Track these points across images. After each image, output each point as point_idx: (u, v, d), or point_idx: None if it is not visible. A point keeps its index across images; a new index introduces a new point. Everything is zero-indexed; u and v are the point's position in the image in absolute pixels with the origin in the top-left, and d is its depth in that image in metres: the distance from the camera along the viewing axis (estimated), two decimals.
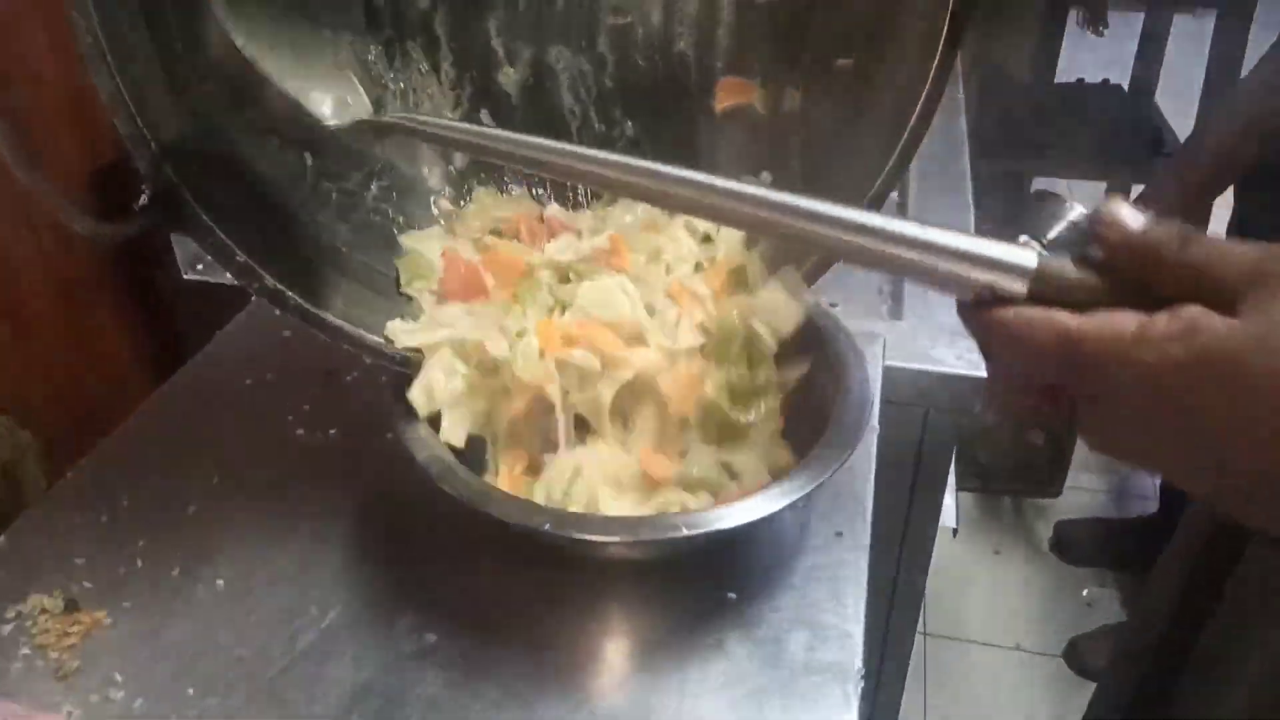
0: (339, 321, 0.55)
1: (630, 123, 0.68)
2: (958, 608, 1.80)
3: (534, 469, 0.58)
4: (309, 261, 0.56)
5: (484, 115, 0.67)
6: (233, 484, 0.63)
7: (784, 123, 0.64)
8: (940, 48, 0.52)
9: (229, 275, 0.52)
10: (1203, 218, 1.23)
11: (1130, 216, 0.33)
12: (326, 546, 0.59)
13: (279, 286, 0.53)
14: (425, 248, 0.62)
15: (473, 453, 0.57)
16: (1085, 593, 1.84)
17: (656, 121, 0.68)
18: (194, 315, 0.85)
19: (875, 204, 0.58)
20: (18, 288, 0.76)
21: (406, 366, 0.56)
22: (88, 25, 0.44)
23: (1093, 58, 2.28)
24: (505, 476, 0.57)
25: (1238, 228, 1.50)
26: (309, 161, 0.58)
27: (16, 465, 0.79)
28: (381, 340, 0.56)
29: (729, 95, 0.66)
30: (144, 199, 0.48)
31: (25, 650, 0.53)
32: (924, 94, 0.54)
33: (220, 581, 0.57)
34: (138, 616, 0.55)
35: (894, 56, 0.56)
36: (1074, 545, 1.89)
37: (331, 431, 0.68)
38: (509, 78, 0.66)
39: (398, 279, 0.61)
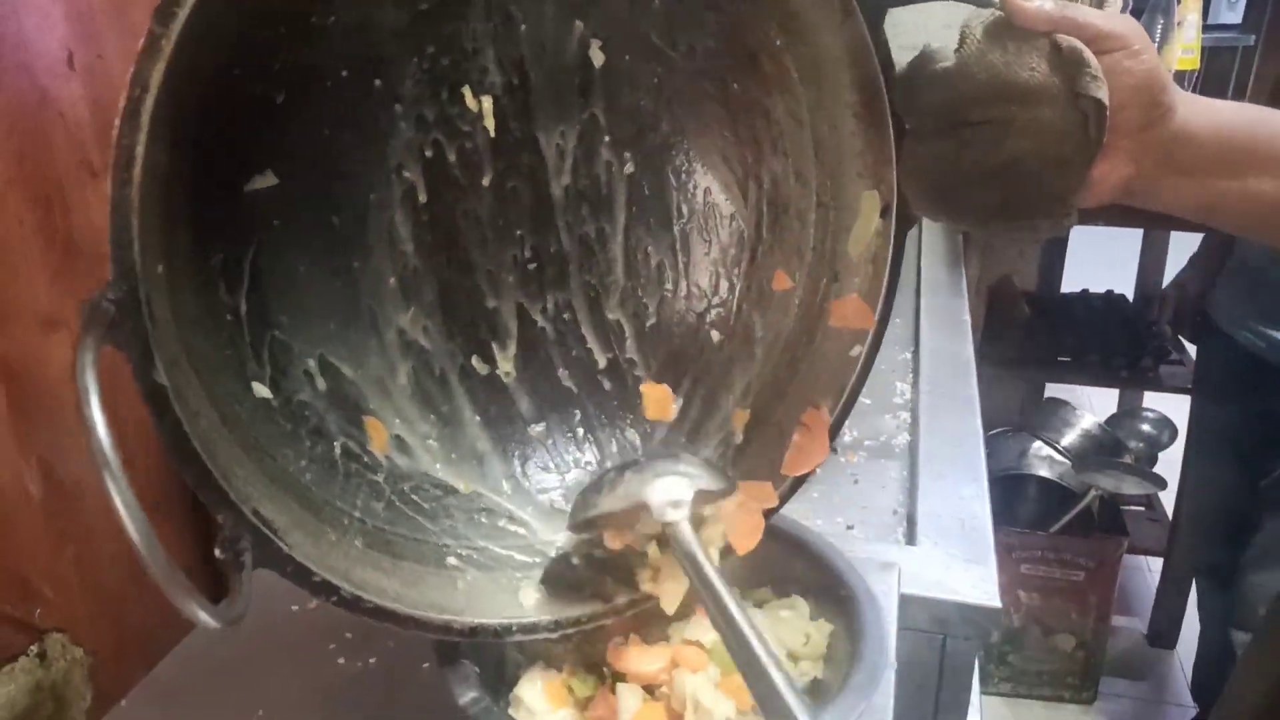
0: (413, 611, 0.55)
1: None
2: None
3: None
4: (365, 554, 0.56)
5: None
6: (276, 716, 0.66)
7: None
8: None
9: (303, 589, 0.52)
10: None
11: None
12: None
13: (356, 594, 0.52)
14: (528, 694, 0.61)
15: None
16: None
17: None
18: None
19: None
20: (85, 513, 0.81)
21: (475, 636, 0.57)
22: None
23: (1096, 267, 2.39)
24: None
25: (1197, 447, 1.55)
26: (337, 451, 0.58)
27: (66, 683, 0.83)
28: (451, 619, 0.56)
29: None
30: (221, 545, 0.48)
31: None
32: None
33: None
34: None
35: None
36: None
37: (371, 660, 0.71)
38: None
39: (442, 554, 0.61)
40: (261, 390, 0.54)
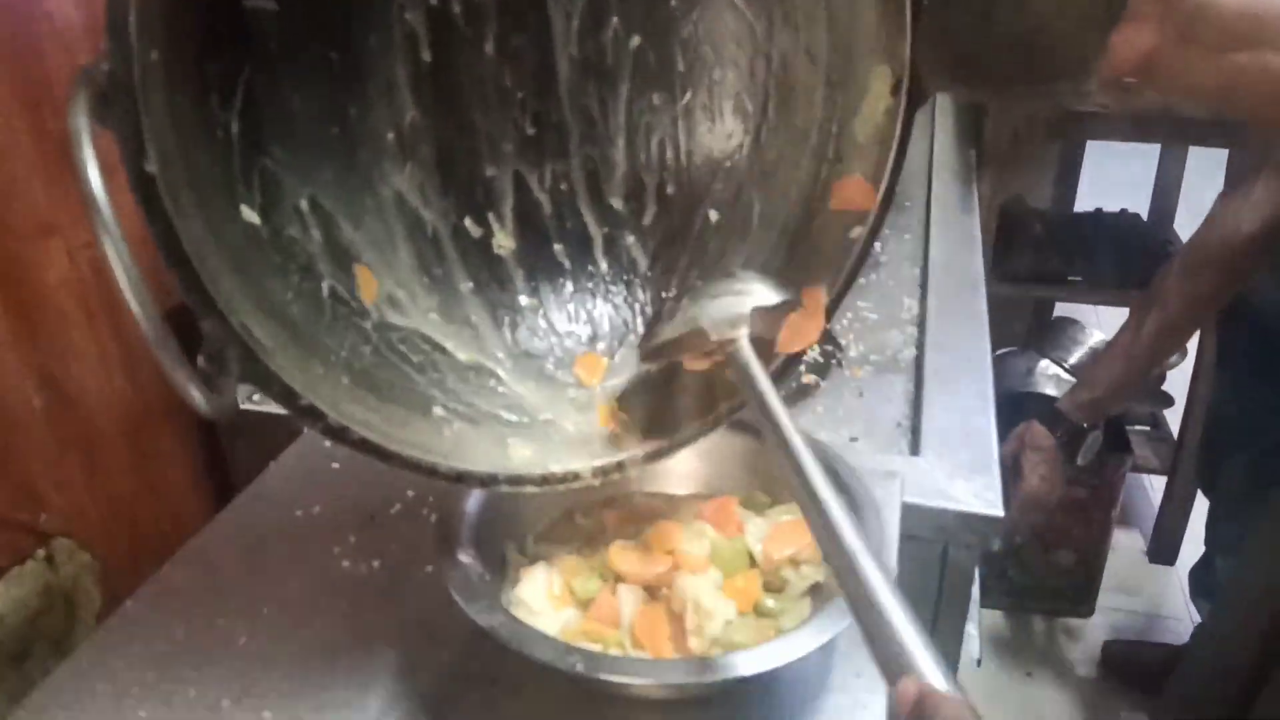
0: (399, 448, 0.54)
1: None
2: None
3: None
4: (351, 391, 0.56)
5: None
6: (281, 615, 0.67)
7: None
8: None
9: (289, 413, 0.51)
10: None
11: (909, 692, 0.38)
12: (368, 678, 0.62)
13: (342, 422, 0.52)
14: (529, 594, 0.62)
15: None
16: (1121, 717, 1.80)
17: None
18: (249, 445, 0.90)
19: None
20: (90, 422, 0.81)
21: (461, 481, 0.57)
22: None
23: (1112, 186, 2.35)
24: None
25: (1217, 360, 1.53)
26: (325, 292, 0.58)
27: (75, 587, 0.84)
28: (437, 461, 0.56)
29: None
30: (207, 358, 0.47)
31: None
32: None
33: (268, 713, 0.60)
34: None
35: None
36: (1120, 665, 1.87)
37: (375, 563, 0.71)
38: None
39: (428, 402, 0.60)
40: (250, 215, 0.53)
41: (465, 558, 0.60)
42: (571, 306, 0.69)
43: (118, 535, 0.85)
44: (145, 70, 0.43)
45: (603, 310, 0.69)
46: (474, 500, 0.64)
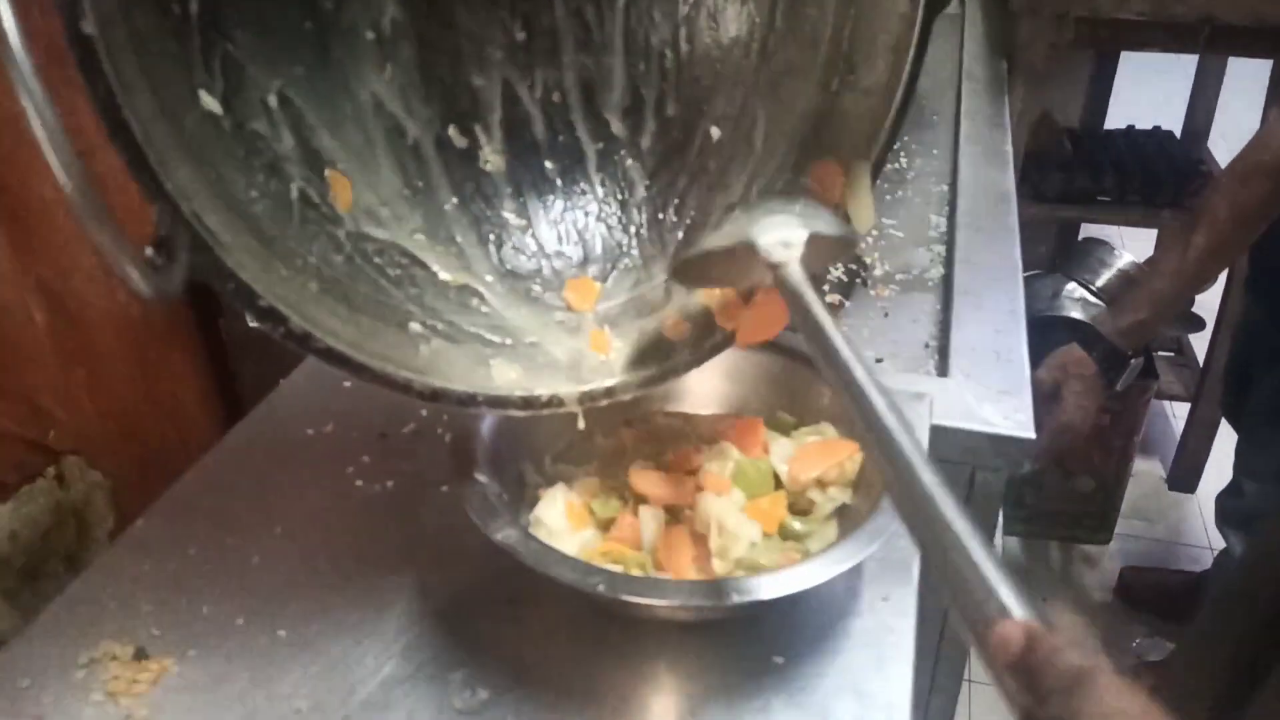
0: (369, 360, 0.51)
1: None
2: None
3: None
4: (319, 298, 0.52)
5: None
6: (294, 534, 0.66)
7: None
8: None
9: (249, 316, 0.48)
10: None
11: (1013, 637, 0.34)
12: (383, 598, 0.61)
13: (305, 329, 0.49)
14: (548, 515, 0.60)
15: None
16: (1136, 643, 1.81)
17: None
18: (257, 363, 0.88)
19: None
20: (93, 337, 0.79)
21: (436, 399, 0.54)
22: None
23: (1145, 103, 2.27)
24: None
25: (1248, 281, 1.49)
26: (294, 194, 0.54)
27: (86, 505, 0.83)
28: (411, 376, 0.53)
29: None
30: (155, 245, 0.44)
31: (97, 696, 0.55)
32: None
33: (281, 632, 0.59)
34: (203, 665, 0.57)
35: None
36: (1137, 592, 1.87)
37: (389, 483, 0.70)
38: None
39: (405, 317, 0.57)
40: (209, 102, 0.49)
41: (482, 477, 0.58)
42: (562, 226, 0.65)
43: (127, 453, 0.84)
44: None
45: (595, 231, 0.65)
46: (490, 419, 0.62)
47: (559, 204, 0.65)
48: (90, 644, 0.57)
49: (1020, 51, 1.58)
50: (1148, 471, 2.14)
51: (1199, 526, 2.05)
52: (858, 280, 1.05)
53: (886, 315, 1.00)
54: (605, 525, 0.60)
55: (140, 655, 0.57)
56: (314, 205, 0.54)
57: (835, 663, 0.57)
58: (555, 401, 0.57)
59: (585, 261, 0.65)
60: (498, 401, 0.55)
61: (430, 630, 0.59)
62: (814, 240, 0.50)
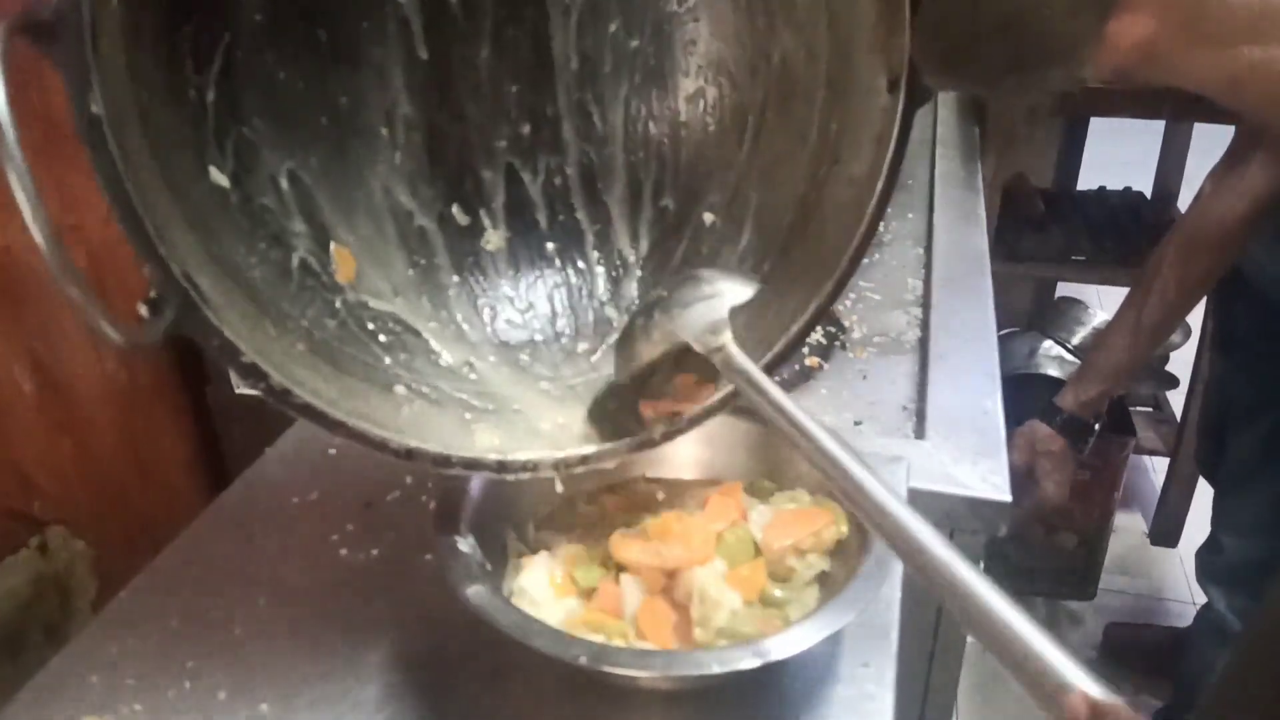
0: (346, 417, 0.52)
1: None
2: (991, 708, 1.77)
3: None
4: (305, 357, 0.54)
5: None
6: (278, 605, 0.66)
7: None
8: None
9: (231, 370, 0.49)
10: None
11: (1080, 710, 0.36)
12: (367, 669, 0.61)
13: (285, 385, 0.49)
14: (531, 584, 0.60)
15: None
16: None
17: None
18: (244, 430, 0.89)
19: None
20: (80, 406, 0.80)
21: (411, 458, 0.55)
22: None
23: (1115, 165, 2.33)
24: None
25: (1216, 339, 1.52)
26: (294, 263, 0.56)
27: (69, 574, 0.83)
28: (388, 436, 0.54)
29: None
30: (148, 303, 0.45)
31: None
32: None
33: (264, 705, 0.59)
34: None
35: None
36: (1121, 648, 1.87)
37: (374, 551, 0.70)
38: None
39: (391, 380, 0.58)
40: (219, 178, 0.52)
41: (464, 547, 0.59)
42: (556, 300, 0.67)
43: (111, 522, 0.84)
44: (98, 18, 0.41)
45: (587, 306, 0.68)
46: (474, 486, 0.63)
47: (554, 279, 0.67)
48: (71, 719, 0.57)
49: (993, 119, 1.63)
50: (1130, 526, 2.16)
51: (1181, 581, 2.06)
52: (836, 343, 1.07)
53: (865, 378, 1.02)
54: (588, 594, 0.61)
55: None
56: (314, 274, 0.57)
57: None
58: (530, 466, 0.58)
59: (576, 335, 0.67)
60: (472, 464, 0.56)
61: (413, 702, 0.59)
62: (735, 312, 0.52)
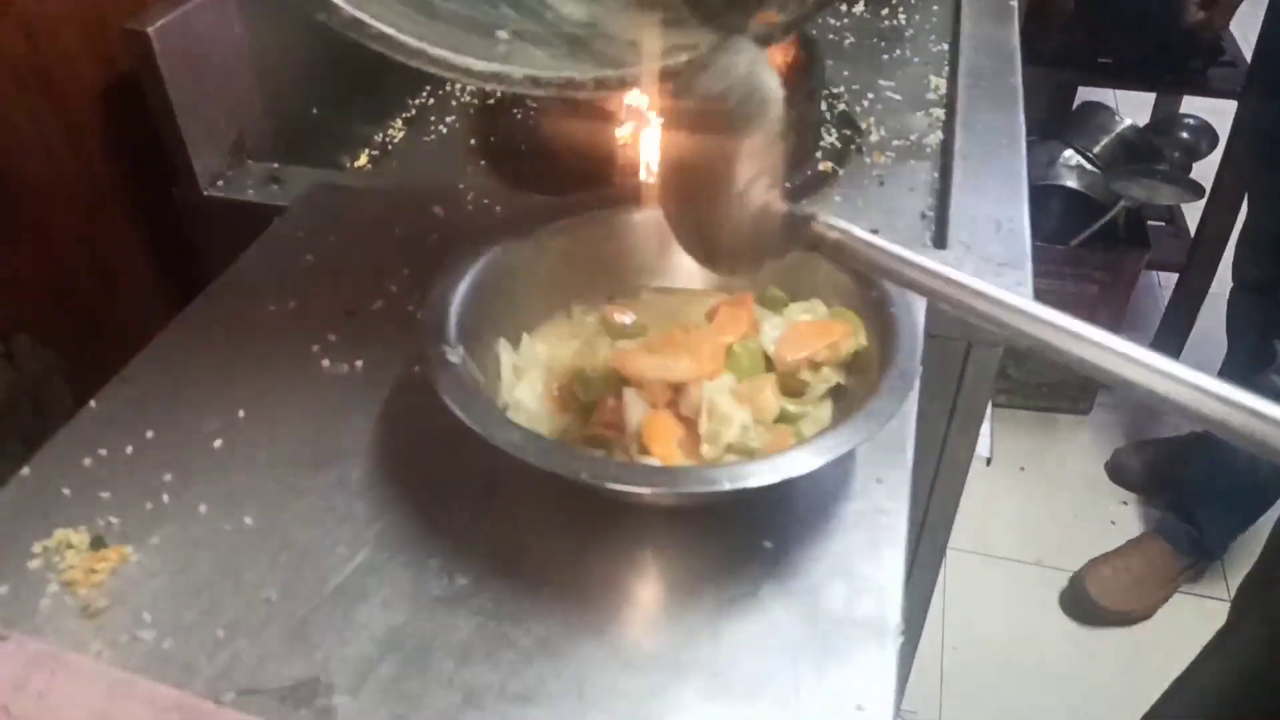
0: (424, 46, 0.48)
1: None
2: (982, 523, 1.80)
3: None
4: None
5: None
6: (259, 417, 0.62)
7: None
8: None
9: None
10: None
11: None
12: (354, 484, 0.58)
13: (355, 15, 0.45)
14: (526, 396, 0.57)
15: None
16: (1114, 509, 1.84)
17: None
18: (215, 235, 0.83)
19: None
20: (40, 211, 0.73)
21: (497, 80, 0.51)
22: None
23: None
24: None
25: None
26: None
27: (44, 385, 0.79)
28: (470, 62, 0.50)
29: None
30: None
31: (53, 587, 0.52)
32: None
33: (248, 519, 0.56)
34: (165, 554, 0.54)
35: None
36: (1128, 470, 1.90)
37: (358, 363, 0.66)
38: None
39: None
40: None
41: (454, 358, 0.54)
42: None
43: (81, 332, 0.79)
44: None
45: None
46: (463, 295, 0.58)
47: None
48: (44, 533, 0.54)
49: None
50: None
51: None
52: (852, 146, 1.00)
53: (882, 184, 0.95)
54: (587, 408, 0.57)
55: (98, 544, 0.54)
56: None
57: (827, 546, 0.55)
58: (631, 80, 0.52)
59: None
60: (500, 78, 0.51)
61: (404, 517, 0.56)
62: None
